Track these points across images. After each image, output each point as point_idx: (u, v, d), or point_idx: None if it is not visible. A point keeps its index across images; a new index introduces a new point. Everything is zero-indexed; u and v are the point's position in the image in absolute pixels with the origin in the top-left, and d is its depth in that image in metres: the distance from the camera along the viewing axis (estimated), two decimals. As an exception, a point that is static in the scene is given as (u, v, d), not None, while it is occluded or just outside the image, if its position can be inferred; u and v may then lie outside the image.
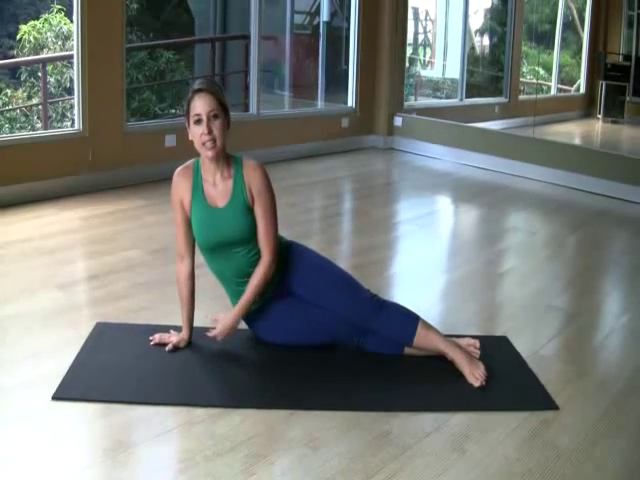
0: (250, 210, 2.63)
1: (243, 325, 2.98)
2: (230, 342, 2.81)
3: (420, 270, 3.91)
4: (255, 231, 2.64)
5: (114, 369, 2.57)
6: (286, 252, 2.75)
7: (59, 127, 6.53)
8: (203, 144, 2.54)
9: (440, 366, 2.66)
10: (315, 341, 2.76)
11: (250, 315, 2.74)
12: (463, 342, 2.71)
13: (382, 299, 2.72)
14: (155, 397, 2.40)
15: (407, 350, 2.73)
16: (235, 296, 2.72)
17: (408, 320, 2.66)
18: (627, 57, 8.62)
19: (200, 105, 2.52)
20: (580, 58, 9.26)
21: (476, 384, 2.54)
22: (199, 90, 2.53)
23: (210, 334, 2.68)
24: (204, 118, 2.51)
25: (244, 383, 2.55)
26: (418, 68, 9.08)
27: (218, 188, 2.63)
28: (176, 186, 2.66)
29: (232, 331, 2.68)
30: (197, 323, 2.76)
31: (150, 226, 4.29)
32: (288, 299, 2.73)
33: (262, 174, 2.64)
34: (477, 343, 2.72)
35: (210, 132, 2.51)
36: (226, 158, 2.65)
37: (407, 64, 7.80)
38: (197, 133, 2.54)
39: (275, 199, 2.68)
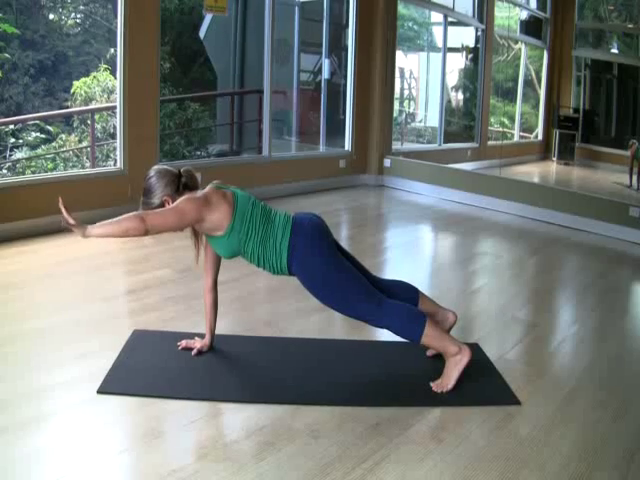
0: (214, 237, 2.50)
1: (256, 333, 2.99)
2: (245, 348, 2.82)
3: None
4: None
5: (148, 369, 2.58)
6: (295, 239, 2.43)
7: (104, 166, 6.58)
8: None
9: (423, 368, 2.67)
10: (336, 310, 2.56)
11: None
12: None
13: (390, 304, 2.46)
14: (182, 393, 2.41)
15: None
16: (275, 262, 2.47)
17: (414, 323, 2.45)
18: (576, 110, 8.72)
19: None
20: (538, 110, 9.32)
21: (433, 387, 2.49)
22: None
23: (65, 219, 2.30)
24: None
25: (257, 381, 2.56)
26: (404, 118, 9.14)
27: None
28: None
29: (75, 228, 2.30)
30: (218, 331, 2.77)
31: (178, 249, 4.31)
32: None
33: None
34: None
35: None
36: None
37: (394, 114, 7.86)
38: None
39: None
